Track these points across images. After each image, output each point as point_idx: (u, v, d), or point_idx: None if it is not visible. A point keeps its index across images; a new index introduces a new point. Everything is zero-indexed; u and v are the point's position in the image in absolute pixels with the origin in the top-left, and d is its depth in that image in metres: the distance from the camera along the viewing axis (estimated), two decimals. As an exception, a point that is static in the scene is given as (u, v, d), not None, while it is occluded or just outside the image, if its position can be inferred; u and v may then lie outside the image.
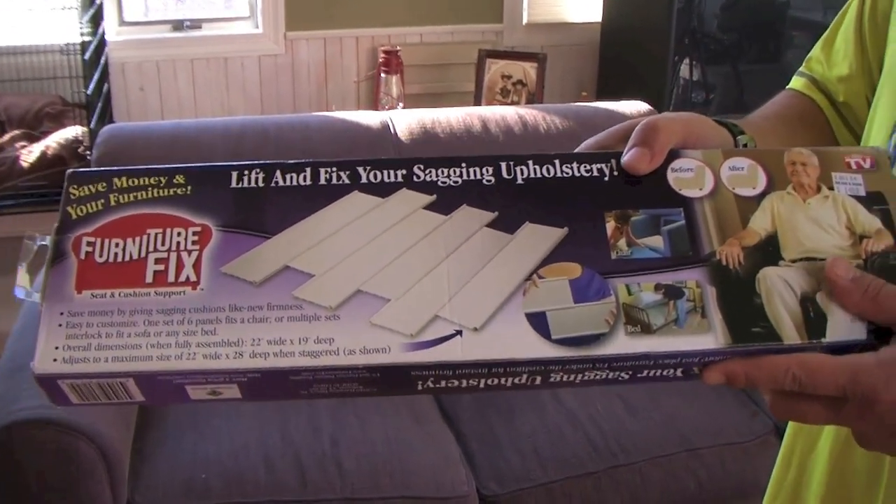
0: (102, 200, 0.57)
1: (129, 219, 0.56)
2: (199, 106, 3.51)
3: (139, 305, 0.53)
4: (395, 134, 2.29)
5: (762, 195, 0.58)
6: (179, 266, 0.54)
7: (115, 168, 0.58)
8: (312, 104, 3.61)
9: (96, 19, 3.07)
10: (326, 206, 0.57)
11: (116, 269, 0.54)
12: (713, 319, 0.54)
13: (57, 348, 0.52)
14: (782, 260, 0.56)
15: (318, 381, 0.53)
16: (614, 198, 0.58)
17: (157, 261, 0.55)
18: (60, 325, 0.53)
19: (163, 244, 0.55)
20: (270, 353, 0.52)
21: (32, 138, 3.05)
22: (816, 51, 0.87)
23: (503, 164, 0.59)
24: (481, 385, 0.55)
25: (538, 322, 0.53)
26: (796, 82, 0.88)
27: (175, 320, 0.53)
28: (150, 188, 0.57)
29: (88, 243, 0.55)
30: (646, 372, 0.55)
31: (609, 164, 0.59)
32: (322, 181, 0.58)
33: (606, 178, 0.59)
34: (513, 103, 3.43)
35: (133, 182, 0.57)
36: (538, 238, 0.56)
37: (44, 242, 0.56)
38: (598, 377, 0.55)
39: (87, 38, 2.90)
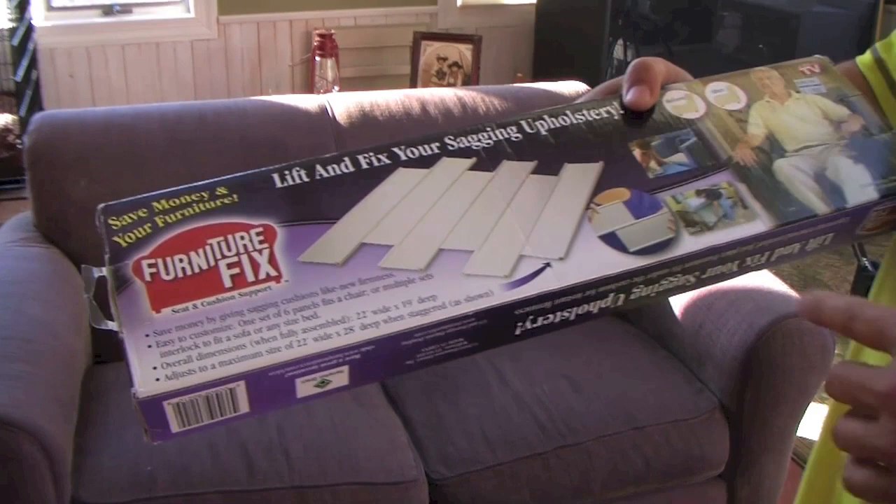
0: (149, 224, 0.54)
1: (183, 235, 0.54)
2: (132, 92, 3.31)
3: (228, 309, 0.51)
4: (334, 117, 2.22)
5: (747, 107, 0.64)
6: (255, 265, 0.53)
7: (150, 194, 0.56)
8: (247, 89, 3.46)
9: (23, 4, 2.90)
10: (377, 186, 0.57)
11: (189, 282, 0.52)
12: (754, 208, 0.58)
13: (155, 368, 0.49)
14: (786, 152, 0.62)
15: (427, 342, 0.52)
16: (630, 131, 0.62)
17: (230, 265, 0.53)
18: (150, 347, 0.50)
19: (229, 250, 0.53)
20: (380, 321, 0.51)
21: None
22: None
23: (523, 122, 0.62)
24: (573, 317, 0.56)
25: (612, 241, 0.56)
26: (864, 57, 0.78)
27: (271, 314, 0.51)
28: (194, 204, 0.55)
29: (150, 265, 0.53)
30: (710, 270, 0.58)
31: (613, 106, 0.63)
32: (364, 166, 0.58)
33: (616, 117, 0.63)
34: (449, 85, 3.33)
35: (174, 202, 0.55)
36: (581, 174, 0.59)
37: (101, 274, 0.52)
38: (672, 284, 0.58)
39: (13, 24, 2.71)
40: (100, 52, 3.38)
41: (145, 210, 0.55)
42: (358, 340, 0.50)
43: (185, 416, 0.50)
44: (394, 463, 1.74)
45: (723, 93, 0.65)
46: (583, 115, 0.63)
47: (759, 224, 0.58)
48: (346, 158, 0.58)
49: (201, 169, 2.04)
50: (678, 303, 2.05)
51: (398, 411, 1.92)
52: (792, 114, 0.64)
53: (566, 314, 0.56)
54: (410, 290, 0.52)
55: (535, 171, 0.59)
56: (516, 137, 0.61)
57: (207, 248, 0.53)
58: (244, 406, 0.51)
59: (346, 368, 0.52)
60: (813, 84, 0.67)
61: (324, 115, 2.26)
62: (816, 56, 0.70)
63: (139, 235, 0.54)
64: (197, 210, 0.55)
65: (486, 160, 0.59)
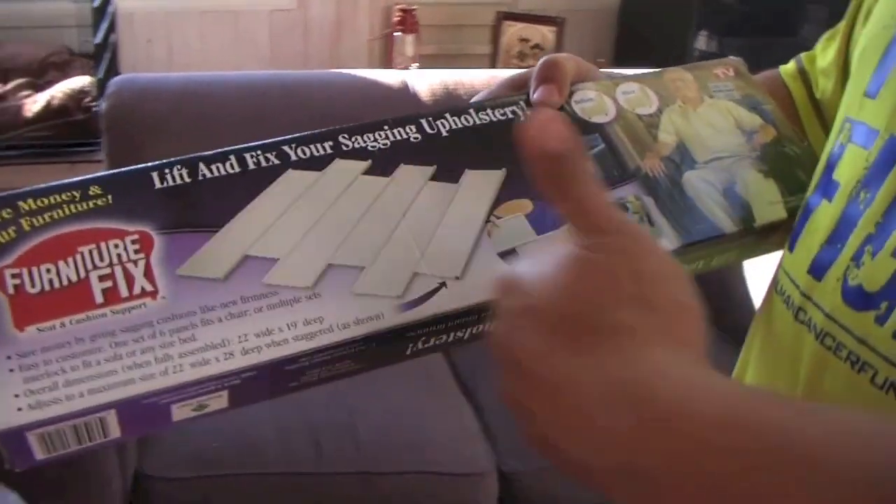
0: (14, 228, 0.50)
1: (52, 241, 0.50)
2: (208, 60, 3.15)
3: (98, 328, 0.48)
4: (416, 94, 2.12)
5: (658, 112, 0.62)
6: (129, 278, 0.49)
7: (16, 191, 0.52)
8: (324, 62, 3.29)
9: (104, -34, 2.77)
10: (265, 190, 0.54)
11: (57, 296, 0.48)
12: (661, 225, 0.57)
13: (17, 396, 0.45)
14: (696, 163, 0.60)
15: (313, 366, 0.50)
16: None
17: (102, 278, 0.49)
18: (12, 371, 0.46)
19: (101, 259, 0.50)
20: (263, 346, 0.48)
21: (37, 88, 2.80)
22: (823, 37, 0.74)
23: (423, 121, 0.58)
24: (466, 336, 0.54)
25: (512, 258, 0.54)
26: (788, 66, 0.74)
27: (145, 335, 0.48)
28: (64, 205, 0.51)
29: (13, 275, 0.49)
30: None
31: (519, 106, 0.60)
32: (251, 166, 0.54)
33: (522, 118, 0.60)
34: (530, 67, 3.17)
35: (42, 202, 0.51)
36: (482, 182, 0.56)
37: (-42, 285, 0.48)
38: None
39: (94, -14, 2.61)
40: (178, 19, 3.21)
41: (10, 210, 0.51)
42: (238, 367, 0.48)
43: (51, 444, 0.47)
44: (465, 453, 1.69)
45: (634, 94, 0.63)
46: (487, 114, 0.60)
47: (664, 242, 0.56)
48: (232, 157, 0.55)
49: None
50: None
51: (470, 399, 1.85)
52: (704, 121, 0.62)
53: (460, 334, 0.54)
54: (296, 311, 0.50)
55: (434, 178, 0.56)
56: (415, 138, 0.58)
57: (78, 256, 0.50)
58: (115, 431, 0.48)
59: (225, 393, 0.49)
60: (726, 89, 0.65)
61: (405, 91, 2.14)
62: (731, 58, 0.68)
63: (2, 240, 0.50)
64: (67, 212, 0.51)
65: (382, 163, 0.56)
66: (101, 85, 2.42)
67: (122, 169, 0.53)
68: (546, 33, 3.44)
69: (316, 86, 2.16)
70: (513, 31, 3.45)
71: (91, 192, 0.52)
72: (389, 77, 2.23)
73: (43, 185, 0.52)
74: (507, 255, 0.54)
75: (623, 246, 0.41)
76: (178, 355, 0.47)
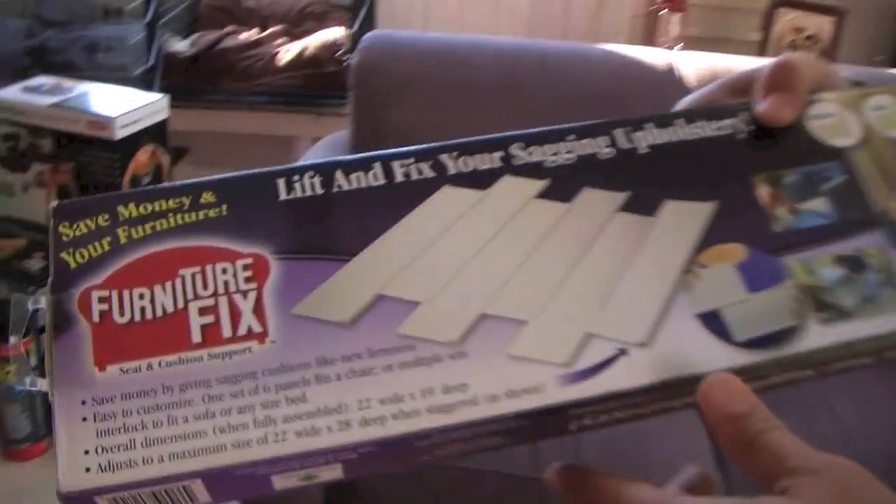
0: (109, 238, 0.42)
1: (150, 258, 0.41)
2: (465, 22, 3.20)
3: (191, 376, 0.39)
4: (681, 77, 1.98)
5: None
6: (235, 314, 0.40)
7: (118, 193, 0.43)
8: (583, 35, 3.25)
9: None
10: (412, 211, 0.43)
11: (148, 330, 0.40)
12: None
13: (87, 453, 0.37)
14: None
15: (450, 441, 0.40)
16: (756, 157, 0.46)
17: (203, 311, 0.40)
18: (86, 420, 0.38)
19: (205, 287, 0.41)
20: (388, 416, 0.38)
21: (293, 36, 2.95)
22: None
23: (618, 132, 0.46)
24: (648, 412, 0.43)
25: (714, 323, 0.41)
26: None
27: (246, 389, 0.39)
28: (170, 214, 0.42)
29: (101, 299, 0.40)
30: (836, 365, 0.44)
31: (740, 118, 0.47)
32: (398, 178, 0.44)
33: (741, 136, 0.47)
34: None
35: (146, 209, 0.42)
36: (685, 218, 0.44)
37: (38, 306, 0.40)
38: (782, 380, 0.44)
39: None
40: (439, -24, 3.23)
41: (107, 216, 0.42)
42: (355, 441, 0.38)
43: (126, 506, 0.39)
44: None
45: (888, 111, 0.48)
46: (699, 127, 0.47)
47: None
48: (377, 165, 0.44)
49: (535, 115, 1.82)
50: None
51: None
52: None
53: (642, 411, 0.42)
54: (435, 373, 0.39)
55: (626, 208, 0.44)
56: (606, 154, 0.46)
57: (178, 281, 0.41)
58: (204, 497, 0.39)
59: (339, 466, 0.39)
60: None
61: (670, 73, 1.98)
62: None
63: (93, 254, 0.41)
64: (172, 223, 0.42)
65: (562, 185, 0.45)
66: (355, 38, 2.40)
67: (243, 172, 0.44)
68: (824, 24, 3.13)
69: (578, 60, 2.01)
70: (786, 19, 3.17)
71: (203, 201, 0.43)
72: (654, 56, 2.04)
73: (148, 188, 0.43)
74: (707, 317, 0.41)
75: (835, 482, 0.35)
76: (282, 419, 0.38)
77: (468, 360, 0.39)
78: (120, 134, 1.27)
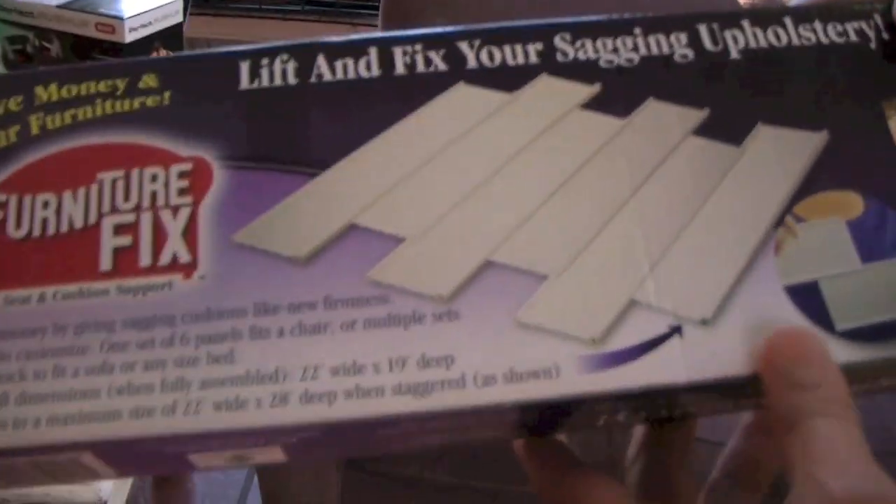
0: (17, 127, 0.32)
1: (64, 156, 0.32)
2: None
3: (92, 315, 0.29)
4: None
5: None
6: (159, 236, 0.30)
7: (40, 69, 0.34)
8: None
9: None
10: (411, 113, 0.32)
11: (47, 249, 0.30)
12: None
13: None
14: None
15: (427, 431, 0.29)
16: (891, 76, 0.34)
17: (119, 229, 0.30)
18: None
19: (126, 199, 0.31)
20: (340, 393, 0.28)
21: None
22: None
23: (702, 28, 0.34)
24: (703, 411, 0.32)
25: (809, 301, 0.30)
26: None
27: (158, 339, 0.29)
28: (98, 100, 0.33)
29: None
30: None
31: (871, 22, 0.35)
32: (400, 69, 0.33)
33: (872, 44, 0.34)
34: None
35: (70, 91, 0.33)
36: (784, 150, 0.32)
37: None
38: (889, 383, 0.32)
39: None
40: None
41: (20, 99, 0.33)
42: (292, 422, 0.28)
43: (7, 477, 0.30)
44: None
45: None
46: (812, 30, 0.34)
47: None
48: (373, 50, 0.33)
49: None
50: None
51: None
52: None
53: (692, 409, 0.31)
54: (412, 338, 0.29)
55: (703, 131, 0.32)
56: (683, 56, 0.34)
57: (94, 188, 0.31)
58: (107, 472, 0.30)
59: (277, 448, 0.30)
60: None
61: None
62: None
63: None
64: (99, 112, 0.32)
65: (619, 93, 0.33)
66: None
67: (199, 51, 0.34)
68: None
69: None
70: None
71: (142, 85, 0.33)
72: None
73: (79, 64, 0.34)
74: (801, 291, 0.30)
75: None
76: (198, 384, 0.28)
77: (460, 323, 0.29)
78: (130, 37, 1.19)
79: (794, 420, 0.27)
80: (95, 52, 1.19)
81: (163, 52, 1.22)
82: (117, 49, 1.16)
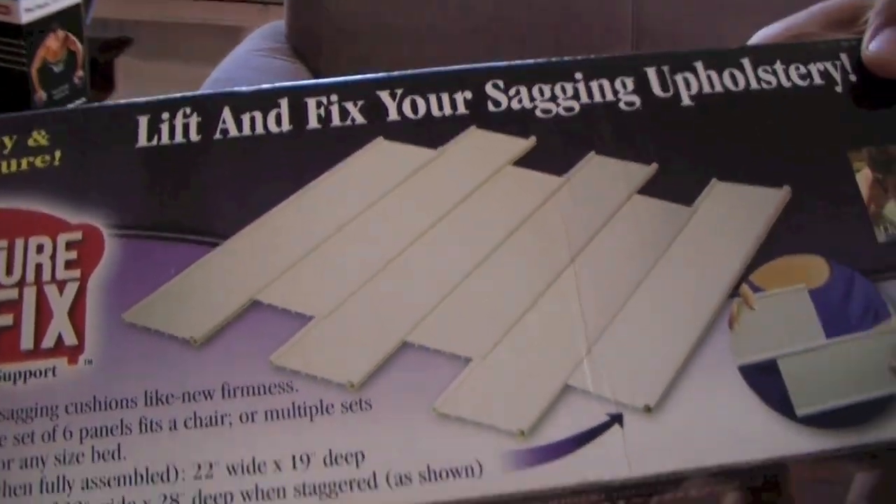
0: None
1: None
2: None
3: None
4: None
5: None
6: (43, 315, 0.27)
7: None
8: None
9: None
10: (325, 173, 0.29)
11: None
12: None
13: None
14: None
15: None
16: (857, 124, 0.31)
17: (3, 306, 0.28)
18: None
19: (9, 273, 0.28)
20: (236, 495, 0.25)
21: None
22: None
23: (651, 71, 0.31)
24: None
25: (766, 382, 0.27)
26: None
27: (38, 433, 0.26)
28: None
29: None
30: None
31: (837, 63, 0.31)
32: (312, 123, 0.30)
33: (838, 87, 0.31)
34: None
35: None
36: (739, 209, 0.29)
37: None
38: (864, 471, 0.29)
39: None
40: None
41: None
42: None
43: None
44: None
45: None
46: (773, 72, 0.31)
47: None
48: (283, 102, 0.30)
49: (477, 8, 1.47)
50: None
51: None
52: None
53: (637, 502, 0.28)
54: (319, 432, 0.26)
55: (649, 190, 0.29)
56: (629, 103, 0.30)
57: None
58: None
59: None
60: None
61: None
62: None
63: None
64: None
65: (556, 146, 0.30)
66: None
67: (95, 104, 0.31)
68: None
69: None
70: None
71: (31, 143, 0.30)
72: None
73: None
74: (756, 371, 0.27)
75: None
76: (81, 484, 0.25)
77: (371, 414, 0.26)
78: (26, 18, 1.16)
79: None
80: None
81: (61, 34, 1.19)
82: (16, 31, 1.14)
